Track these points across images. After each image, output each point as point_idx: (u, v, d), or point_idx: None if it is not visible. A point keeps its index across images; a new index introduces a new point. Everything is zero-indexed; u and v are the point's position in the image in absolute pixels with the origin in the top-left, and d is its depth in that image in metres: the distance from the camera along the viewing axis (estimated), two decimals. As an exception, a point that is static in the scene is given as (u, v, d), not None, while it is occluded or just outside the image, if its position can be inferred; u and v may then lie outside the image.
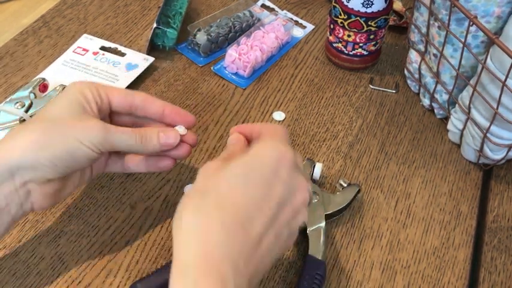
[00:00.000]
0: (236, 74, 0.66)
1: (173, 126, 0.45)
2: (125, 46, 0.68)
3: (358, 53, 0.65)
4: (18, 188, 0.38)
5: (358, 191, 0.51)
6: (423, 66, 0.60)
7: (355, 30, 0.62)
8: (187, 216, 0.33)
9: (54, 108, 0.41)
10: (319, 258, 0.45)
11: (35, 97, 0.57)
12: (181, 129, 0.44)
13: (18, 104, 0.56)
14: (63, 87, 0.58)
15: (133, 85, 0.63)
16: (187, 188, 0.53)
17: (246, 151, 0.37)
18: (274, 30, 0.69)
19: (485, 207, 0.54)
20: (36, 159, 0.38)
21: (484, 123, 0.51)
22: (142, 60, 0.65)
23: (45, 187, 0.40)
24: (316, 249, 0.46)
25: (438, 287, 0.47)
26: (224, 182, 0.35)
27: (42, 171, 0.38)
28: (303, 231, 0.49)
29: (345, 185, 0.51)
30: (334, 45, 0.66)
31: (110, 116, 0.45)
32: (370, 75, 0.67)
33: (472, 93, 0.51)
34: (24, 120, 0.55)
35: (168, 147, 0.43)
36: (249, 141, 0.42)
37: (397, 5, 0.74)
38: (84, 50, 0.67)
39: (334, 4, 0.62)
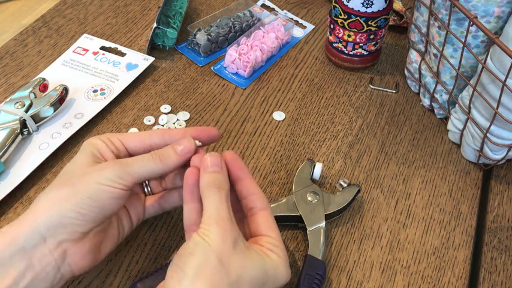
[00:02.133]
0: (236, 74, 0.66)
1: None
2: (125, 46, 0.68)
3: (358, 53, 0.65)
4: (52, 250, 0.37)
5: (358, 191, 0.51)
6: (423, 66, 0.60)
7: (355, 30, 0.62)
8: None
9: (70, 165, 0.41)
10: (319, 258, 0.45)
11: (35, 97, 0.57)
12: (197, 143, 0.44)
13: (18, 104, 0.56)
14: (63, 87, 0.58)
15: (133, 85, 0.63)
16: None
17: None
18: (274, 30, 0.69)
19: (485, 207, 0.53)
20: (61, 214, 0.37)
21: (484, 123, 0.51)
22: (142, 60, 0.65)
23: (81, 244, 0.39)
24: (316, 249, 0.46)
25: (438, 287, 0.47)
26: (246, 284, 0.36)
27: (72, 224, 0.38)
28: (303, 231, 0.50)
29: (345, 185, 0.51)
30: (334, 45, 0.66)
31: None
32: (370, 75, 0.67)
33: (472, 93, 0.51)
34: (24, 120, 0.55)
35: (188, 155, 0.42)
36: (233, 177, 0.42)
37: (397, 5, 0.74)
38: (84, 50, 0.67)
39: (334, 4, 0.62)
